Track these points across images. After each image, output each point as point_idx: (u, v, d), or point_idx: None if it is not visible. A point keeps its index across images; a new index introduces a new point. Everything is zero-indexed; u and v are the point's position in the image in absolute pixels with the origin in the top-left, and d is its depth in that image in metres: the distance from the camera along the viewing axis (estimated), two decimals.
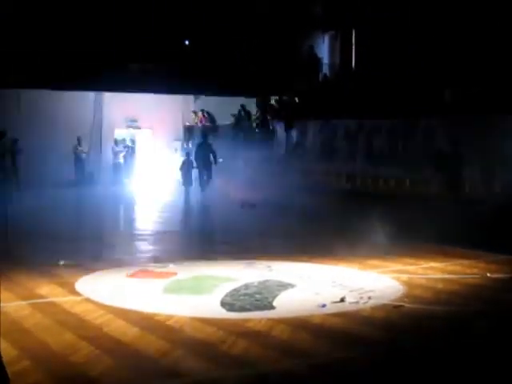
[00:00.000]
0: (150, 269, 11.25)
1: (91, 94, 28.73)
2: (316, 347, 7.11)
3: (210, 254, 12.77)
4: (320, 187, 22.33)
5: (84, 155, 28.24)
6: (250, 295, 9.38)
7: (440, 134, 20.43)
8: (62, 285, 9.88)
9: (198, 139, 26.41)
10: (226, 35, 29.95)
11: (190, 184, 22.84)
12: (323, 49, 32.86)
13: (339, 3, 31.27)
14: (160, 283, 10.11)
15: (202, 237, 15.71)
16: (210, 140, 24.30)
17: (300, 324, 7.96)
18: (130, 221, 19.99)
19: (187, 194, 22.63)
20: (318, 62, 31.99)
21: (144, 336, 7.40)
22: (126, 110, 29.40)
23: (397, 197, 20.28)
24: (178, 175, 24.02)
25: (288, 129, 26.22)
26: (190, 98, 31.05)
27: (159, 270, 11.15)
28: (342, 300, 9.08)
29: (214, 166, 22.90)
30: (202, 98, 30.51)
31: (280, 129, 26.72)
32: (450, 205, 16.46)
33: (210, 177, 22.81)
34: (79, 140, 27.95)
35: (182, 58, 29.70)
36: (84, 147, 28.25)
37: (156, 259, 12.08)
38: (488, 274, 10.86)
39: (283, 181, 23.65)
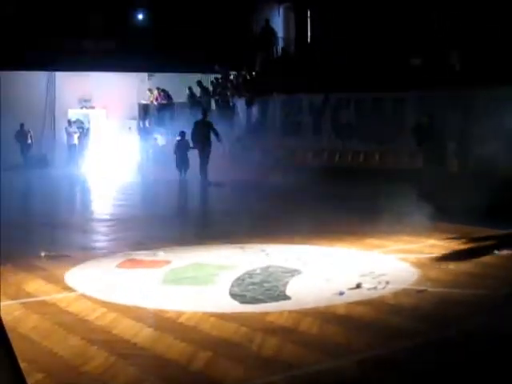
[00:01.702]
0: (139, 257, 10.42)
1: (43, 75, 27.48)
2: (354, 341, 6.45)
3: (195, 239, 12.04)
4: (286, 164, 21.68)
5: (29, 140, 27.15)
6: (259, 284, 8.67)
7: (411, 107, 19.92)
8: (50, 280, 9.02)
9: (156, 118, 25.36)
10: (181, 10, 28.95)
11: (187, 167, 21.12)
12: (278, 22, 32.10)
13: None
14: (155, 273, 9.34)
15: (180, 220, 14.87)
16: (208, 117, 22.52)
17: (325, 316, 7.28)
18: (94, 205, 19.06)
19: (183, 178, 21.08)
20: (273, 36, 31.23)
21: (160, 337, 6.64)
22: (79, 89, 28.32)
23: (370, 171, 19.68)
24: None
25: (249, 105, 25.41)
26: (145, 75, 30.00)
27: (150, 258, 10.35)
28: (359, 286, 8.43)
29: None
30: (157, 75, 29.49)
31: (240, 105, 25.88)
32: (431, 178, 15.88)
33: (206, 161, 20.96)
34: (22, 126, 26.85)
35: (134, 34, 28.63)
36: (30, 131, 27.09)
37: (142, 246, 11.20)
38: (496, 252, 10.31)
39: (247, 159, 22.96)
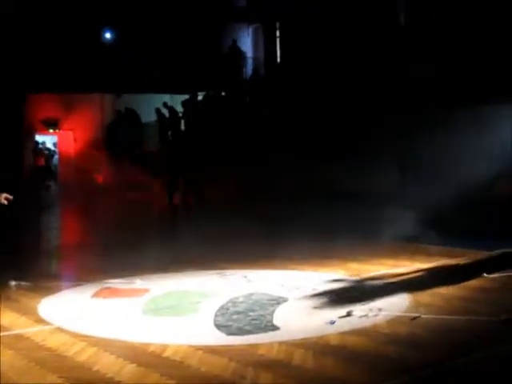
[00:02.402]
0: (115, 286, 9.96)
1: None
2: (354, 376, 6.05)
3: (169, 264, 11.50)
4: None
5: None
6: (244, 313, 8.26)
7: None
8: (23, 311, 8.53)
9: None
10: (149, 29, 28.55)
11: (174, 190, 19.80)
12: (247, 42, 31.87)
13: None
14: (134, 303, 8.90)
15: (154, 244, 14.21)
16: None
17: (318, 347, 6.89)
18: (63, 229, 18.51)
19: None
20: (240, 56, 31.01)
21: (146, 374, 6.19)
22: (45, 111, 27.69)
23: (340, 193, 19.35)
24: None
25: (220, 125, 25.07)
26: (112, 96, 29.48)
27: (127, 286, 9.89)
28: (349, 314, 8.05)
29: None
30: (125, 95, 29.01)
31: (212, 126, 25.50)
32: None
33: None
34: None
35: (102, 54, 28.13)
36: None
37: (117, 273, 10.72)
38: (485, 275, 10.01)
39: None
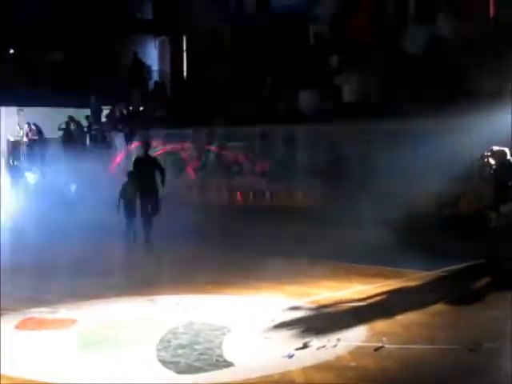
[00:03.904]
0: (39, 316, 8.95)
1: None
2: None
3: (96, 290, 10.47)
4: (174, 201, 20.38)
5: None
6: (189, 347, 7.44)
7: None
8: None
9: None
10: (52, 41, 27.33)
11: (134, 215, 15.61)
12: (154, 55, 31.03)
13: (169, 8, 29.57)
14: (64, 336, 7.95)
15: (74, 269, 12.93)
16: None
17: None
18: None
19: (129, 229, 15.51)
20: (143, 68, 30.10)
21: None
22: None
23: (261, 209, 18.67)
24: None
25: (128, 140, 24.06)
26: (13, 109, 28.00)
27: (51, 316, 8.91)
28: (306, 345, 7.34)
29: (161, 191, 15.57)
30: (27, 109, 27.63)
31: (119, 141, 24.49)
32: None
33: (156, 208, 15.39)
34: None
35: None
36: None
37: (37, 301, 9.66)
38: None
39: None
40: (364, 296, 9.78)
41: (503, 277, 10.72)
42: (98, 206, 16.54)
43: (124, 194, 15.59)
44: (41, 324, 8.53)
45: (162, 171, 15.61)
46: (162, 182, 15.49)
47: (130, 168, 16.27)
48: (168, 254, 13.45)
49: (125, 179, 15.91)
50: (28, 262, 12.85)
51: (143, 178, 15.38)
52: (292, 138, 19.64)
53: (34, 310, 9.25)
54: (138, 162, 16.02)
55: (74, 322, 8.58)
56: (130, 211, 15.44)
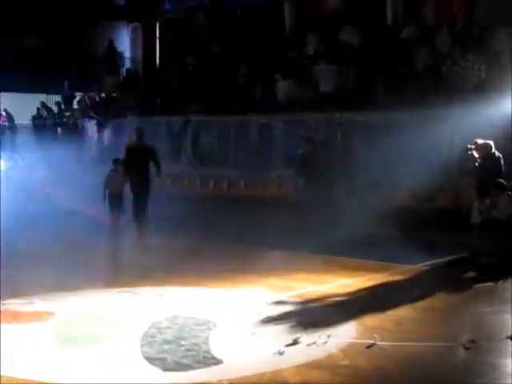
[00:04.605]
0: (13, 308, 8.60)
1: None
2: None
3: (67, 281, 10.09)
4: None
5: None
6: (175, 342, 7.15)
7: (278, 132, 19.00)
8: None
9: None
10: (22, 23, 26.72)
11: (120, 209, 14.76)
12: (126, 42, 30.54)
13: None
14: (41, 330, 7.65)
15: (51, 259, 12.41)
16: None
17: None
18: None
19: (113, 223, 14.76)
20: (117, 56, 29.66)
21: None
22: None
23: (235, 199, 18.39)
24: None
25: (100, 127, 23.65)
26: None
27: (27, 309, 8.57)
28: (296, 342, 7.09)
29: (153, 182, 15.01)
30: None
31: (91, 127, 24.05)
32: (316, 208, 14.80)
33: (146, 200, 14.65)
34: None
35: None
36: None
37: (8, 292, 9.24)
38: None
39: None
40: (350, 290, 9.58)
41: (484, 271, 10.61)
42: (73, 194, 16.11)
43: (111, 182, 14.72)
44: (16, 317, 8.18)
45: (158, 161, 14.81)
46: (158, 172, 14.81)
47: (111, 155, 15.83)
48: (149, 245, 13.10)
49: (109, 167, 15.05)
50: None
51: (135, 167, 14.56)
52: (268, 127, 19.42)
53: (8, 301, 8.88)
54: (130, 150, 15.03)
55: (51, 314, 8.26)
56: (116, 201, 14.63)
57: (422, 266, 11.12)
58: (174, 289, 9.69)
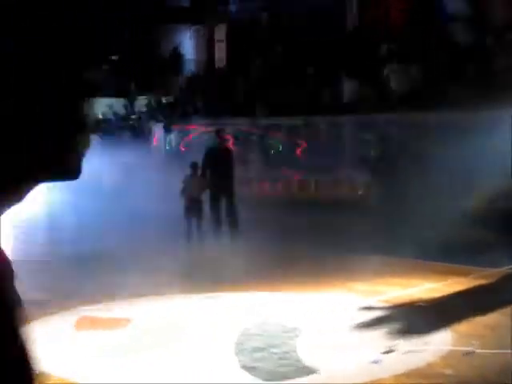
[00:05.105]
0: (93, 314, 8.52)
1: None
2: None
3: (145, 286, 9.87)
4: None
5: None
6: (267, 350, 6.97)
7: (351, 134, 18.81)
8: None
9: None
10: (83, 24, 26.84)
11: (200, 215, 13.94)
12: (188, 44, 30.56)
13: None
14: (121, 336, 7.54)
15: (124, 262, 12.28)
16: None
17: None
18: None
19: (190, 231, 14.01)
20: (181, 58, 29.70)
21: None
22: None
23: (306, 201, 18.18)
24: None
25: (168, 131, 23.68)
26: None
27: (106, 314, 8.48)
28: (392, 350, 6.86)
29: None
30: None
31: (158, 131, 24.10)
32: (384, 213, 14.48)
33: (233, 203, 14.03)
34: None
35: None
36: None
37: (88, 298, 9.16)
38: None
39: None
40: (437, 294, 9.30)
41: None
42: (147, 199, 16.03)
43: (189, 187, 13.94)
44: (96, 323, 8.08)
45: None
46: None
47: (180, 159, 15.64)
48: (229, 249, 12.76)
49: (187, 172, 14.34)
50: (75, 256, 12.33)
51: (217, 170, 13.85)
52: (338, 128, 19.24)
53: (88, 307, 8.79)
54: (211, 153, 14.17)
55: (128, 321, 8.15)
56: (195, 206, 13.85)
57: (507, 269, 10.75)
58: (259, 294, 9.50)
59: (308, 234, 13.33)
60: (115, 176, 21.53)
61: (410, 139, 16.34)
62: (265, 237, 13.07)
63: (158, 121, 24.28)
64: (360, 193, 16.71)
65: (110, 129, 25.32)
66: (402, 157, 15.35)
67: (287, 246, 12.68)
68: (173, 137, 23.60)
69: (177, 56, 29.51)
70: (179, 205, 14.35)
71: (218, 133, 14.59)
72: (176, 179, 14.65)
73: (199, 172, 14.01)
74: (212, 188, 13.78)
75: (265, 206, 16.82)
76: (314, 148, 19.49)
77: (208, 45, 30.41)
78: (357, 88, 19.42)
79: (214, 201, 13.90)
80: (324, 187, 18.67)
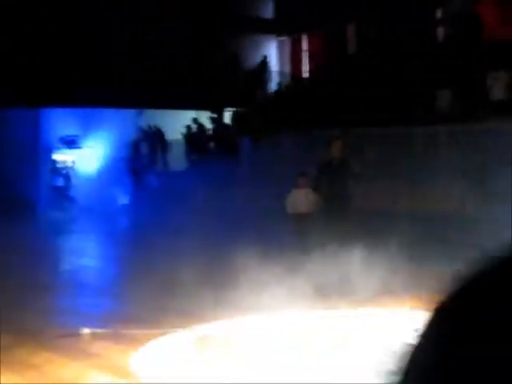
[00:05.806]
0: (206, 332, 8.02)
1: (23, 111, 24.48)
2: None
3: (248, 301, 9.11)
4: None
5: None
6: None
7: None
8: (116, 372, 6.53)
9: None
10: (170, 43, 26.73)
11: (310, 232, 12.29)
12: (273, 55, 30.24)
13: (291, 7, 28.73)
14: (237, 356, 6.99)
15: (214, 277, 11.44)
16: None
17: None
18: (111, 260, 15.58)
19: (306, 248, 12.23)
20: (267, 70, 29.33)
21: None
22: (63, 127, 25.76)
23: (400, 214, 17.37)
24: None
25: (256, 144, 23.17)
26: (133, 112, 27.43)
27: (219, 333, 7.98)
28: None
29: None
30: (147, 111, 27.10)
31: (245, 144, 23.65)
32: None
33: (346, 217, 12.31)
34: None
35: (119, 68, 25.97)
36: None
37: (190, 315, 8.62)
38: None
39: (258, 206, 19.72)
40: None
41: None
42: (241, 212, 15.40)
43: (295, 202, 12.53)
44: (212, 342, 7.56)
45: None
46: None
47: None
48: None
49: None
50: (174, 271, 11.57)
51: (333, 184, 12.17)
52: (434, 138, 18.65)
53: (200, 326, 8.24)
54: (327, 166, 12.52)
55: (242, 338, 7.61)
56: (302, 223, 12.33)
57: None
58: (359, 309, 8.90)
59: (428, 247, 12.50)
60: (209, 189, 20.79)
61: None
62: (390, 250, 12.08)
63: (244, 134, 23.81)
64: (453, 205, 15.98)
65: (195, 142, 25.06)
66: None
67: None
68: (261, 149, 23.08)
69: (264, 67, 29.15)
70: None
71: (337, 144, 12.63)
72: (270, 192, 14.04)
73: (308, 184, 12.69)
74: (326, 204, 12.28)
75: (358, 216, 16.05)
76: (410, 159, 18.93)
77: (291, 55, 30.11)
78: (456, 97, 18.77)
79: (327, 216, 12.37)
80: (420, 199, 18.02)
